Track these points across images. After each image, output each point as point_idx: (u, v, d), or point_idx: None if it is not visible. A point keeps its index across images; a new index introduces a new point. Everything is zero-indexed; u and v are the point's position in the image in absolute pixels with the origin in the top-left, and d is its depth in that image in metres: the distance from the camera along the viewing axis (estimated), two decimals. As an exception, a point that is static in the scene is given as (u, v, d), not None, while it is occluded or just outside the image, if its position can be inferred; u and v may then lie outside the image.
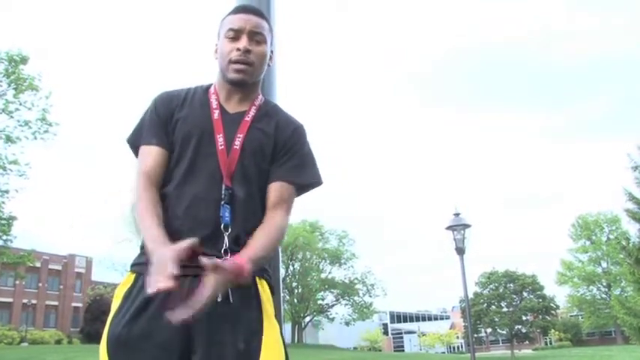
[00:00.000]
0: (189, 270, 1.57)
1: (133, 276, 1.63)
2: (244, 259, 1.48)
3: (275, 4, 2.36)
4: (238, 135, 1.72)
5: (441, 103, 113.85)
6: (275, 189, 1.72)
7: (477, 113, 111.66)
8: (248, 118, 1.76)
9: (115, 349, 1.52)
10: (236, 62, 1.72)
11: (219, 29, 1.83)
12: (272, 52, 1.87)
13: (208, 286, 1.38)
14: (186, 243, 1.43)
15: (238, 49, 1.72)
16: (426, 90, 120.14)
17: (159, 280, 1.34)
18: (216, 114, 1.75)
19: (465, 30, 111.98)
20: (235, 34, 1.75)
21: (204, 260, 1.38)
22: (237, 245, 1.61)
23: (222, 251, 1.58)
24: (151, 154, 1.72)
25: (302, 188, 1.79)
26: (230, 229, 1.61)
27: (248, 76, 1.74)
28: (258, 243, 1.58)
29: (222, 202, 1.63)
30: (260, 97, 1.85)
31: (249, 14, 1.78)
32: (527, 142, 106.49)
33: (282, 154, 1.76)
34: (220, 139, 1.70)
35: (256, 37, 1.75)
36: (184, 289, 1.51)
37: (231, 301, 1.54)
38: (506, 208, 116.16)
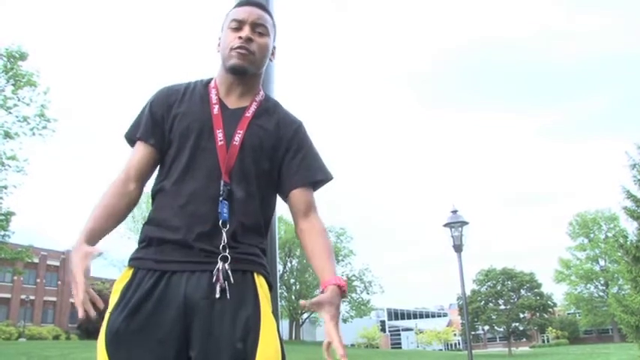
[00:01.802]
0: (184, 265, 1.59)
1: (131, 271, 1.63)
2: (335, 278, 1.59)
3: (274, 2, 2.36)
4: (238, 131, 1.72)
5: (440, 101, 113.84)
6: (300, 195, 1.76)
7: (475, 112, 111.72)
8: (248, 114, 1.76)
9: (114, 344, 1.52)
10: (237, 48, 1.73)
11: (223, 23, 1.84)
12: (274, 47, 1.88)
13: (331, 326, 1.49)
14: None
15: (240, 37, 1.74)
16: (424, 89, 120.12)
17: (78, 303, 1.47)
18: (215, 109, 1.75)
19: (465, 29, 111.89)
20: (238, 25, 1.76)
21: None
22: (238, 241, 1.63)
23: (221, 247, 1.59)
24: (138, 150, 1.76)
25: (318, 186, 1.83)
26: (228, 226, 1.61)
27: (248, 63, 1.74)
28: (328, 257, 1.68)
29: (221, 198, 1.63)
30: (261, 93, 1.85)
31: (254, 7, 1.80)
32: (525, 141, 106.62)
33: (290, 156, 1.78)
34: (220, 135, 1.70)
35: (259, 28, 1.77)
36: (180, 291, 1.55)
37: (229, 297, 1.54)
38: (505, 206, 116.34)
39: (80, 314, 1.47)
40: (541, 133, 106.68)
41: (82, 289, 1.48)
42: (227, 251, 1.58)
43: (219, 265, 1.56)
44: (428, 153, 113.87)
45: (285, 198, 1.79)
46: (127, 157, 1.77)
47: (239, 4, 1.82)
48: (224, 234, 1.60)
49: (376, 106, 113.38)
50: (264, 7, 1.83)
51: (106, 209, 1.67)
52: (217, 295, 1.54)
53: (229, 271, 1.56)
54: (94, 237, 1.62)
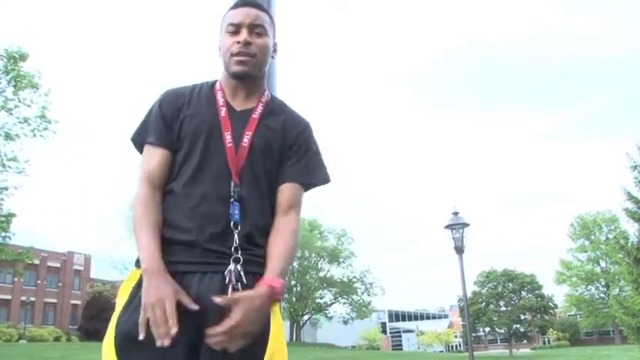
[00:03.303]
0: (196, 266, 1.58)
1: (139, 272, 1.61)
2: (273, 277, 1.53)
3: (275, 3, 2.35)
4: (246, 132, 1.72)
5: (440, 102, 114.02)
6: (287, 191, 1.74)
7: (476, 112, 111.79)
8: (255, 115, 1.76)
9: (123, 346, 1.51)
10: (237, 54, 1.72)
11: (220, 26, 1.82)
12: (275, 44, 1.86)
13: (237, 314, 1.43)
14: (184, 297, 1.50)
15: (238, 42, 1.72)
16: (425, 89, 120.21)
17: (160, 335, 1.45)
18: (223, 111, 1.74)
19: (465, 30, 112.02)
20: (235, 29, 1.74)
21: (217, 300, 1.45)
22: (250, 243, 1.62)
23: (233, 248, 1.59)
24: (155, 155, 1.72)
25: (311, 186, 1.81)
26: (240, 227, 1.61)
27: (250, 67, 1.74)
28: (280, 256, 1.61)
29: (232, 200, 1.63)
30: (266, 93, 1.84)
31: (249, 7, 1.77)
32: (526, 141, 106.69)
33: (292, 153, 1.77)
34: (228, 137, 1.69)
35: (257, 29, 1.75)
36: (193, 292, 1.54)
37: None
38: (506, 207, 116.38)
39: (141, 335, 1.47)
40: (541, 133, 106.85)
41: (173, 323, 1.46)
42: (239, 253, 1.58)
43: (232, 266, 1.56)
44: (428, 153, 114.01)
45: (276, 193, 1.77)
46: (144, 165, 1.72)
47: (234, 6, 1.80)
48: (236, 235, 1.60)
49: (376, 106, 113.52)
50: (259, 6, 1.80)
51: (153, 227, 1.62)
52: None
53: (241, 273, 1.56)
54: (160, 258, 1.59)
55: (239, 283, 1.55)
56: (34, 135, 24.62)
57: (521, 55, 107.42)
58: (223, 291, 1.54)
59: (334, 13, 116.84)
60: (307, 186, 1.79)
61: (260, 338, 1.53)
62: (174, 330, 1.44)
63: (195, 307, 1.48)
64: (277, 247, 1.64)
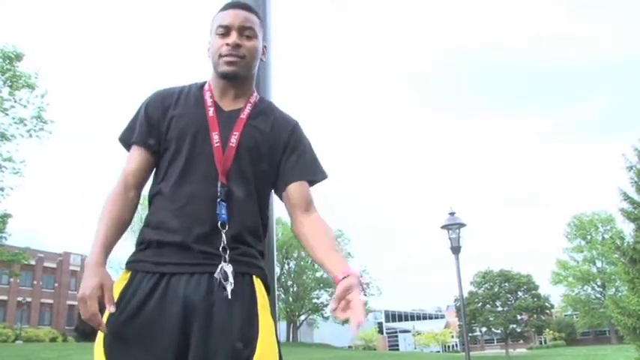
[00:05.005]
0: (184, 268, 1.59)
1: (129, 273, 1.63)
2: (349, 270, 1.63)
3: (272, 3, 2.35)
4: (234, 133, 1.72)
5: (440, 102, 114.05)
6: (299, 189, 1.76)
7: (475, 112, 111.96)
8: (243, 115, 1.77)
9: (112, 346, 1.52)
10: (226, 56, 1.73)
11: (210, 27, 1.83)
12: (265, 46, 1.87)
13: (356, 302, 1.58)
14: (107, 294, 1.50)
15: (228, 44, 1.73)
16: (424, 90, 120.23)
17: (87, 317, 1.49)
18: (210, 111, 1.75)
19: (465, 31, 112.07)
20: (225, 31, 1.75)
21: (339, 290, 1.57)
22: (238, 243, 1.63)
23: (220, 249, 1.59)
24: (137, 155, 1.75)
25: (314, 183, 1.83)
26: (227, 227, 1.61)
27: (239, 68, 1.74)
28: (334, 249, 1.72)
29: (219, 200, 1.63)
30: (255, 94, 1.85)
31: (238, 9, 1.78)
32: (524, 143, 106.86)
33: (289, 153, 1.78)
34: (215, 137, 1.70)
35: (246, 31, 1.76)
36: (180, 294, 1.54)
37: (229, 297, 1.54)
38: (504, 207, 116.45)
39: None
40: (541, 134, 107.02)
41: (91, 312, 1.48)
42: (227, 253, 1.59)
43: (220, 266, 1.56)
44: (428, 153, 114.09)
45: (281, 194, 1.79)
46: (124, 163, 1.76)
47: (224, 8, 1.81)
48: (223, 235, 1.60)
49: (376, 106, 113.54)
50: (249, 8, 1.81)
51: (115, 222, 1.65)
52: (217, 298, 1.54)
53: (230, 274, 1.56)
54: (107, 252, 1.62)
55: (227, 284, 1.55)
56: (30, 135, 24.58)
57: (521, 56, 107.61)
58: (210, 292, 1.54)
59: (334, 13, 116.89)
60: (311, 183, 1.81)
61: (248, 340, 1.53)
62: (102, 327, 1.49)
63: (112, 309, 1.49)
64: (325, 243, 1.71)
